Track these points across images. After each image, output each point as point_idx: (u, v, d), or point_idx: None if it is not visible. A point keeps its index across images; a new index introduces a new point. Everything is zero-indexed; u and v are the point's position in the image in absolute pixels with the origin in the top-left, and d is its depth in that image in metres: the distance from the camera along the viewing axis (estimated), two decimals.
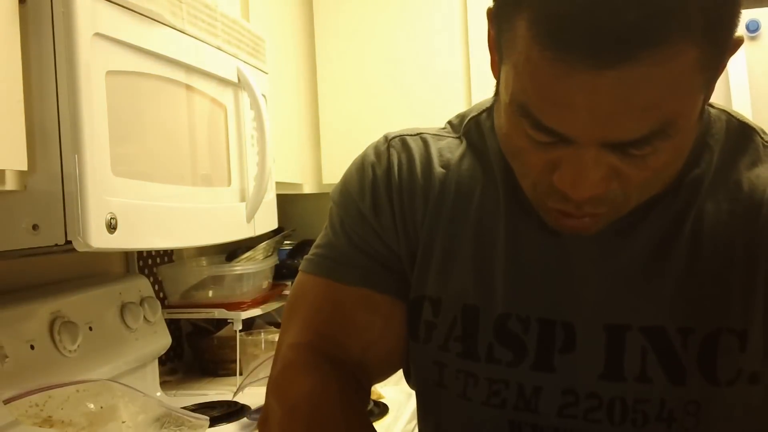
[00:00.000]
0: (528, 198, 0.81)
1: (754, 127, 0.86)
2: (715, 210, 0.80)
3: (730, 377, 0.78)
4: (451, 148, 0.93)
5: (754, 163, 0.82)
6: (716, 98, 2.39)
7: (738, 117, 0.87)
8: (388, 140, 0.96)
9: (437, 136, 0.96)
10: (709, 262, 0.79)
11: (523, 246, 0.85)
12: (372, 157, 0.95)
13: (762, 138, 0.85)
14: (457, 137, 0.95)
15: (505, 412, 0.85)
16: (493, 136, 0.89)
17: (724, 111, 0.87)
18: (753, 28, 2.15)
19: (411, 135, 0.96)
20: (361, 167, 0.96)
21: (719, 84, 2.11)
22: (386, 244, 0.92)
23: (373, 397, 1.93)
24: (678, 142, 0.70)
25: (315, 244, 0.98)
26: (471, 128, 0.94)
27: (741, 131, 0.85)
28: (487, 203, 0.88)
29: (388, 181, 0.92)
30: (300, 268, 0.97)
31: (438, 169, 0.91)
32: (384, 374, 0.97)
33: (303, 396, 0.87)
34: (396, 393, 1.96)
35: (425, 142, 0.94)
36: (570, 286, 0.83)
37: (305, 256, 0.97)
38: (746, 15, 2.18)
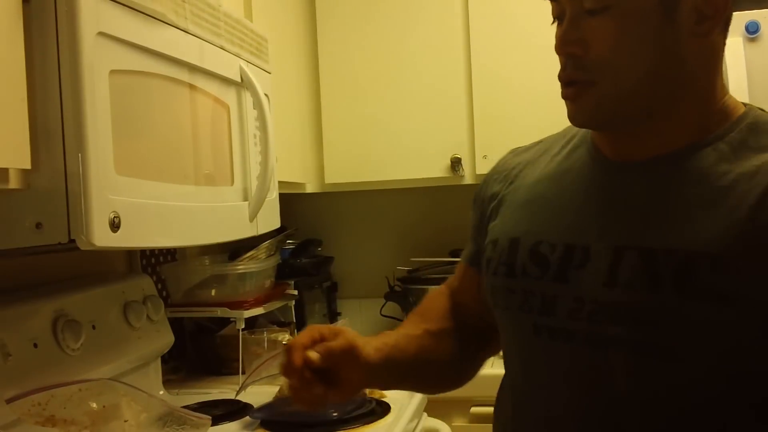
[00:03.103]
0: (567, 162, 1.12)
1: None
2: (725, 168, 0.97)
3: (695, 293, 0.92)
4: (550, 137, 1.22)
5: None
6: None
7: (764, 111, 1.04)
8: None
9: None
10: (705, 203, 0.96)
11: (558, 194, 1.10)
12: None
13: None
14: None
15: (532, 317, 1.06)
16: None
17: (754, 107, 1.04)
18: (753, 29, 2.14)
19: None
20: None
21: None
22: (475, 226, 1.26)
23: (375, 396, 1.93)
24: (622, 14, 0.95)
25: None
26: None
27: (764, 121, 1.01)
28: (545, 170, 1.15)
29: (486, 176, 1.26)
30: None
31: (520, 160, 1.22)
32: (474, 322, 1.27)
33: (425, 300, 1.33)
34: (398, 393, 1.96)
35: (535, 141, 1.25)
36: (590, 216, 1.05)
37: None
38: (746, 16, 2.17)
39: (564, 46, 1.00)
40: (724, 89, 1.04)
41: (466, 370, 1.29)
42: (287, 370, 1.04)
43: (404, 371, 1.17)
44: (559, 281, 1.03)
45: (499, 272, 1.12)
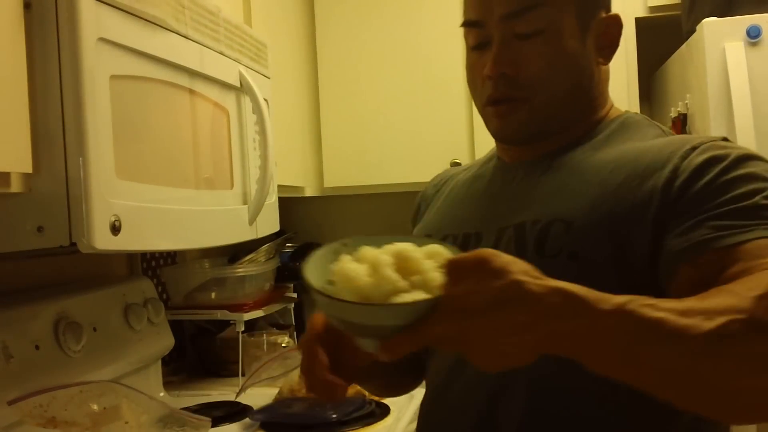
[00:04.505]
0: (478, 170, 1.28)
1: (657, 123, 1.19)
2: (588, 157, 1.12)
3: (554, 252, 1.05)
4: (467, 165, 1.36)
5: (651, 137, 1.12)
6: (717, 104, 2.35)
7: (643, 116, 1.21)
8: None
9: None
10: (567, 184, 1.11)
11: (466, 196, 1.26)
12: None
13: (662, 128, 1.17)
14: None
15: None
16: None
17: (632, 113, 1.21)
18: (754, 33, 2.13)
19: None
20: None
21: (719, 90, 2.12)
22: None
23: (374, 397, 1.94)
24: (552, 36, 1.09)
25: None
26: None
27: (637, 120, 1.19)
28: (460, 180, 1.31)
29: (422, 191, 1.41)
30: None
31: (452, 172, 1.37)
32: None
33: None
34: None
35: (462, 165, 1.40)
36: (484, 210, 1.20)
37: None
38: (747, 21, 2.16)
39: (498, 67, 1.10)
40: (609, 102, 1.20)
41: (417, 372, 1.31)
42: (308, 370, 1.01)
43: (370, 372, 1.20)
44: None
45: None
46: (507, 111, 1.13)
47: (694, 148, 1.03)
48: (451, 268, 0.82)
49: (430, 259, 0.84)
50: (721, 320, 0.79)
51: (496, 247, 1.09)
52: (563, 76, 1.12)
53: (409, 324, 0.80)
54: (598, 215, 1.05)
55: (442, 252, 0.86)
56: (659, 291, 0.97)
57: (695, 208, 0.99)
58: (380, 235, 0.91)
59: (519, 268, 0.81)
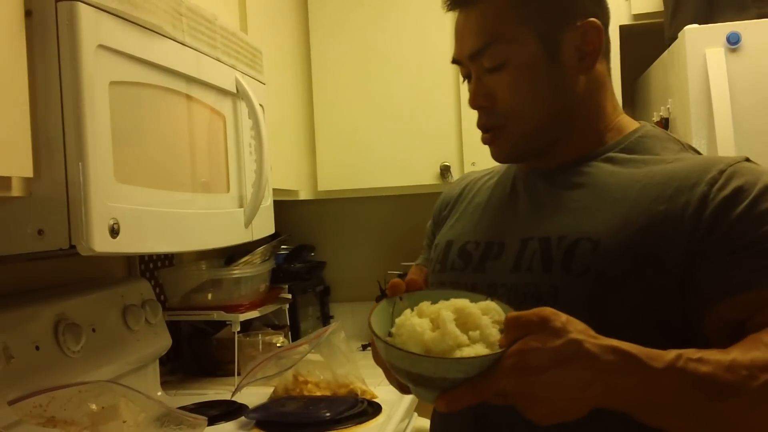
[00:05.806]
0: (500, 178, 1.30)
1: (674, 136, 1.21)
2: (612, 172, 1.13)
3: (580, 270, 1.06)
4: (490, 170, 1.37)
5: (674, 153, 1.14)
6: (698, 108, 2.38)
7: (661, 129, 1.22)
8: None
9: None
10: (592, 199, 1.12)
11: (489, 203, 1.27)
12: None
13: (681, 142, 1.18)
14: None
15: None
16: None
17: (647, 124, 1.22)
18: (734, 40, 2.17)
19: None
20: None
21: (700, 95, 2.16)
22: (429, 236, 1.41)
23: (367, 396, 1.97)
24: (515, 67, 1.12)
25: None
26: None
27: (656, 134, 1.19)
28: (483, 186, 1.32)
29: (443, 194, 1.42)
30: None
31: (474, 176, 1.38)
32: None
33: None
34: (389, 393, 1.98)
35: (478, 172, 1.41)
36: (506, 219, 1.22)
37: None
38: (727, 27, 2.20)
39: (475, 101, 1.18)
40: (617, 109, 1.21)
41: None
42: None
43: None
44: (478, 272, 1.18)
45: (435, 269, 1.27)
46: (491, 138, 1.19)
47: (721, 172, 1.04)
48: (512, 324, 0.86)
49: (486, 315, 0.90)
50: (765, 378, 0.87)
51: (520, 257, 1.13)
52: (533, 101, 1.15)
53: (470, 377, 0.84)
54: (625, 236, 1.05)
55: (495, 308, 0.91)
56: (680, 314, 1.03)
57: (729, 244, 1.00)
58: (433, 290, 0.97)
59: (576, 328, 0.86)
